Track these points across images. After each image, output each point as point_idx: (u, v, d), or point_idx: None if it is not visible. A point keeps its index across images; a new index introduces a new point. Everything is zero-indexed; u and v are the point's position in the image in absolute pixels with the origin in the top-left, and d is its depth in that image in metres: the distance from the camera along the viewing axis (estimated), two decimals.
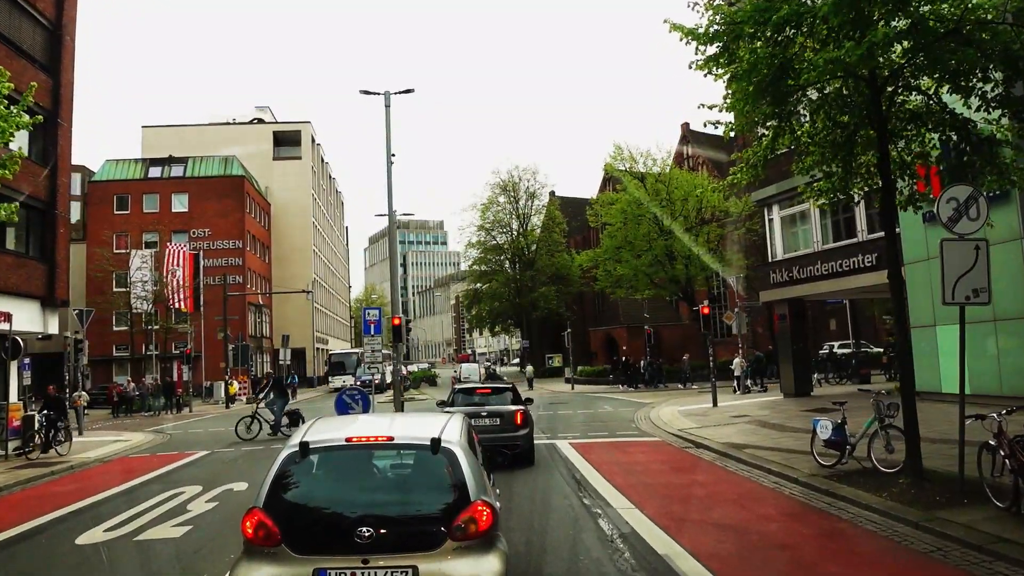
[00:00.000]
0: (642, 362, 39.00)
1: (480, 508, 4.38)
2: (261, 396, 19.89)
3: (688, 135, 52.96)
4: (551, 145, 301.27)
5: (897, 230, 19.22)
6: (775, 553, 7.02)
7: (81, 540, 8.41)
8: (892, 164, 10.01)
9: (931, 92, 9.90)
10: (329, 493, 4.65)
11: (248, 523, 4.36)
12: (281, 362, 50.73)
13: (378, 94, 22.66)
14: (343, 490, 4.66)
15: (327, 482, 4.72)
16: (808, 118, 10.47)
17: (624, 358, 39.37)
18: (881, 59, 8.89)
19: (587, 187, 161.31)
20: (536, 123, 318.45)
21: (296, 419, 19.12)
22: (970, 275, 8.58)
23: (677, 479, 10.94)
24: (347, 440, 4.74)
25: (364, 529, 4.20)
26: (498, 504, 4.86)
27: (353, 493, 4.63)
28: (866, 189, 11.31)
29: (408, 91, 22.99)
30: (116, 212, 52.90)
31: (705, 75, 10.00)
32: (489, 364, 66.55)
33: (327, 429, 5.20)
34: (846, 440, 10.40)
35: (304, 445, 4.63)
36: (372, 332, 18.51)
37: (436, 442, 4.60)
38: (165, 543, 8.04)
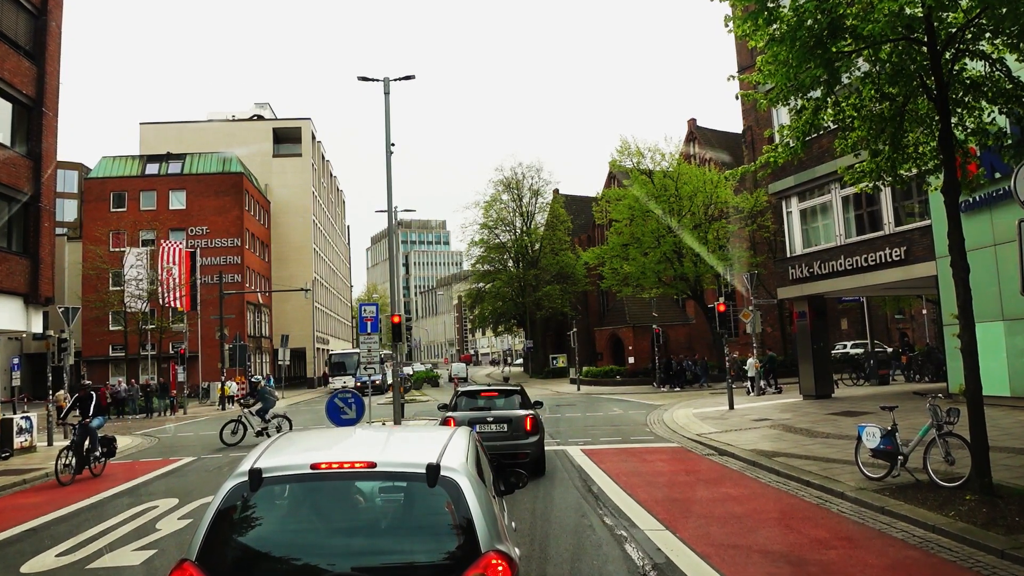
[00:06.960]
0: (685, 361, 37.85)
1: (494, 562, 3.15)
2: (68, 416, 14.76)
3: (695, 132, 51.70)
4: (555, 143, 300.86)
5: (929, 221, 18.30)
6: None
7: (28, 567, 7.29)
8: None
9: (995, 58, 8.80)
10: (287, 539, 3.41)
11: None
12: (280, 362, 49.68)
13: (377, 80, 21.59)
14: (307, 536, 3.41)
15: (286, 524, 3.48)
16: (854, 88, 9.35)
17: (669, 357, 38.13)
18: (951, 4, 7.77)
19: (591, 186, 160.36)
20: (539, 120, 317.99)
21: (111, 448, 14.69)
22: None
23: (707, 493, 9.77)
24: (312, 467, 3.47)
25: None
26: (517, 552, 3.62)
27: (320, 540, 3.39)
28: (915, 171, 10.23)
29: (408, 77, 21.91)
30: (113, 210, 51.79)
31: (740, 37, 8.91)
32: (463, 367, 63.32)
33: (289, 450, 3.97)
34: (898, 450, 9.28)
35: (255, 473, 3.39)
36: (369, 330, 17.32)
37: (433, 469, 3.37)
38: (120, 572, 6.93)
